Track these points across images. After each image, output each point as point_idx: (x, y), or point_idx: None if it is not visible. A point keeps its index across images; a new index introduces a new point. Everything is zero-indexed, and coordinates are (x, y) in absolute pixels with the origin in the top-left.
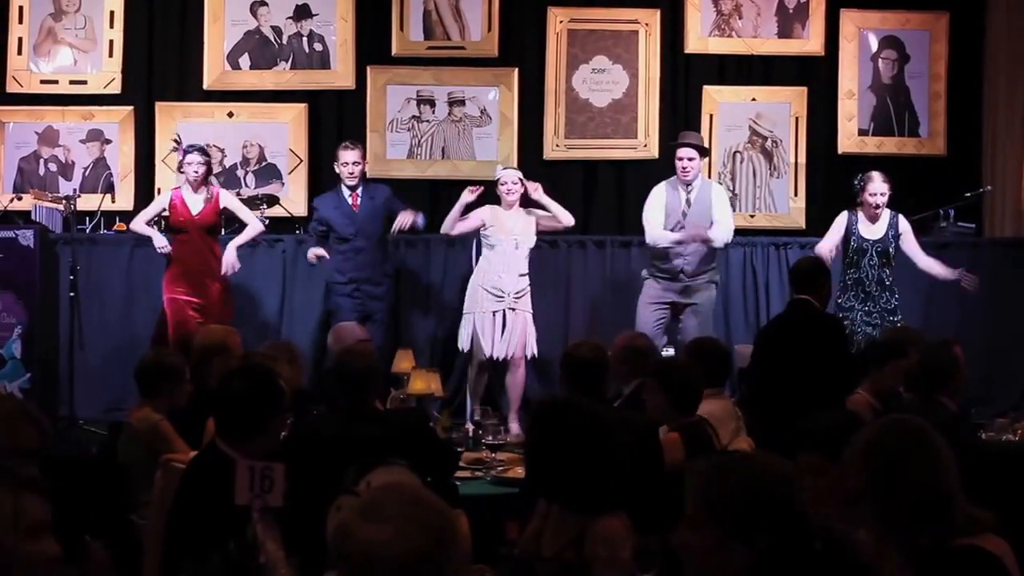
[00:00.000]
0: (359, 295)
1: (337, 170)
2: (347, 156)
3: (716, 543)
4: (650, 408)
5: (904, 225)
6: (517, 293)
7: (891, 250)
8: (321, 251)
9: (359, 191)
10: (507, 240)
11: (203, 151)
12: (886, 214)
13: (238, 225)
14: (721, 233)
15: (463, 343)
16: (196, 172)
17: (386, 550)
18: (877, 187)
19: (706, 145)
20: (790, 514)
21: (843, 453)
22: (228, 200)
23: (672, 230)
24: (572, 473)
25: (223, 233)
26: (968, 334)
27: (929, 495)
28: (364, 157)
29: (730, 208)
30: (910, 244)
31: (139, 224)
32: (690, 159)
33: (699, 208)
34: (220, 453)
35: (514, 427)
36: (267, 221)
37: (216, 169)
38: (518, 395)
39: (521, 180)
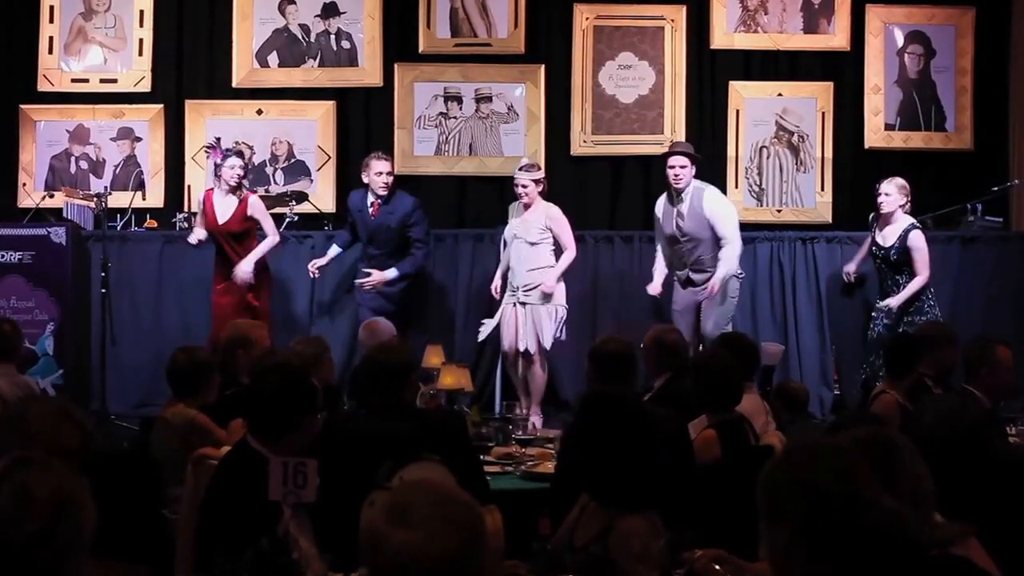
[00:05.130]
0: (371, 290)
1: (367, 179)
2: (381, 166)
3: (783, 545)
4: (694, 402)
5: (914, 242)
6: (525, 287)
7: (893, 259)
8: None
9: (381, 201)
10: (510, 234)
11: (241, 155)
12: (902, 222)
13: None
14: (731, 254)
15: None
16: (234, 177)
17: (419, 554)
18: (881, 188)
19: (697, 153)
20: (854, 513)
21: None
22: (256, 209)
23: (668, 240)
24: (608, 468)
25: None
26: (994, 328)
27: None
28: (393, 167)
29: (729, 213)
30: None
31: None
32: (682, 167)
33: (693, 221)
34: (252, 451)
35: (536, 421)
36: (296, 218)
37: None
38: (535, 389)
39: (536, 181)
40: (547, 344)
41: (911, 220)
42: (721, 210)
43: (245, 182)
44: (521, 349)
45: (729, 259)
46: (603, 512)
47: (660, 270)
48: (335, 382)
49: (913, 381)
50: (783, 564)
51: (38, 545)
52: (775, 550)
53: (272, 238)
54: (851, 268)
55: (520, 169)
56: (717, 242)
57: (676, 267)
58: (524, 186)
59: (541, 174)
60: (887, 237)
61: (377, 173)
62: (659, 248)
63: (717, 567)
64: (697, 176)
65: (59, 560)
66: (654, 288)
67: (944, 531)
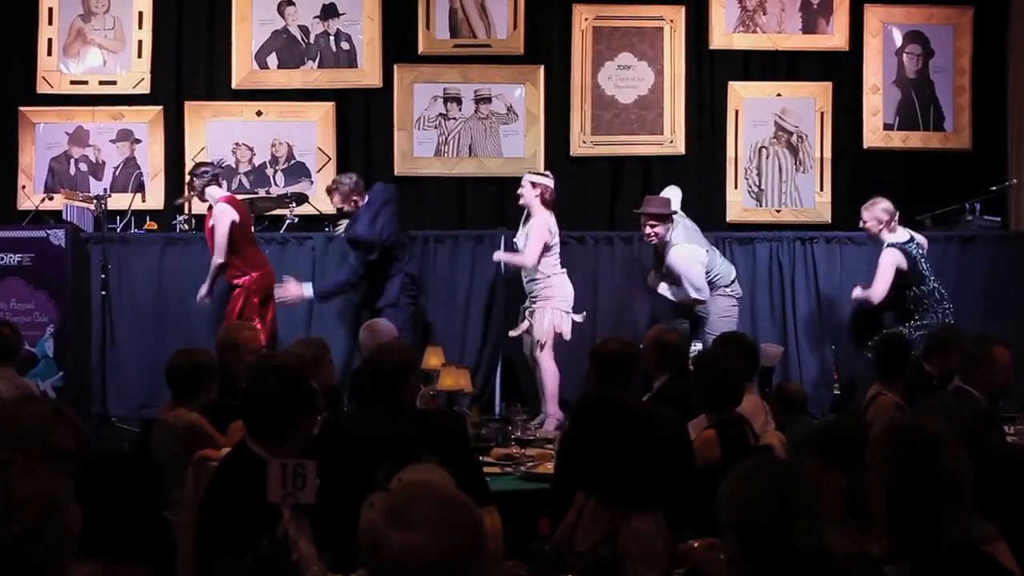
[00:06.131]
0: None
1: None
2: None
3: (729, 555)
4: (695, 402)
5: (881, 258)
6: (531, 293)
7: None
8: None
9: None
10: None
11: (195, 172)
12: (884, 243)
13: (267, 222)
14: (689, 291)
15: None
16: (195, 190)
17: (418, 557)
18: (861, 214)
19: (669, 210)
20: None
21: (844, 460)
22: (215, 219)
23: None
24: (611, 469)
25: (254, 231)
26: (992, 327)
27: (910, 497)
28: (348, 197)
29: (687, 270)
30: None
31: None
32: (652, 226)
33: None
34: (251, 453)
35: (550, 423)
36: (296, 219)
37: (245, 168)
38: (548, 389)
39: (532, 183)
40: (541, 342)
41: (891, 240)
42: (679, 266)
43: (212, 192)
44: (526, 352)
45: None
46: (609, 513)
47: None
48: (336, 383)
49: (908, 381)
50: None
51: (23, 546)
52: (726, 558)
53: (214, 259)
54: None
55: (528, 171)
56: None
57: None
58: (522, 187)
59: (541, 180)
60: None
61: None
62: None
63: (722, 556)
64: (691, 186)
65: (45, 561)
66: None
67: (978, 531)
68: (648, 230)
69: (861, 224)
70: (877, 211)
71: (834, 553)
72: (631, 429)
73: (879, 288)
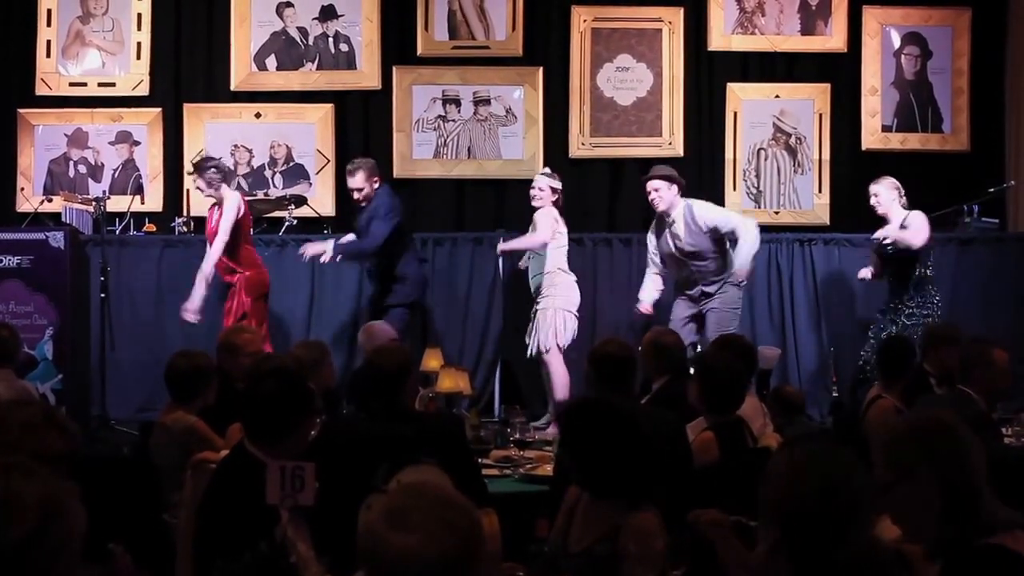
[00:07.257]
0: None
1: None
2: (349, 183)
3: (769, 547)
4: (693, 404)
5: (912, 218)
6: (536, 292)
7: (894, 249)
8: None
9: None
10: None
11: (201, 167)
12: (901, 215)
13: (266, 224)
14: (748, 234)
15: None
16: (201, 188)
17: (417, 559)
18: (870, 190)
19: (675, 174)
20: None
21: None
22: (225, 203)
23: (676, 262)
24: (606, 469)
25: (252, 232)
26: (991, 329)
27: (953, 492)
28: (370, 175)
29: (724, 211)
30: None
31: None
32: (655, 190)
33: (691, 236)
34: (249, 455)
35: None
36: (295, 221)
37: (244, 170)
38: (557, 393)
39: (551, 188)
40: (548, 344)
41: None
42: (715, 213)
43: (224, 188)
44: (532, 353)
45: (748, 240)
46: (604, 513)
47: (649, 290)
48: (335, 386)
49: (908, 383)
50: (769, 564)
51: (27, 549)
52: (765, 547)
53: (215, 245)
54: (866, 274)
55: (541, 173)
56: (719, 252)
57: (687, 287)
58: (542, 188)
59: (558, 184)
60: (889, 233)
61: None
62: (649, 271)
63: (736, 518)
64: (689, 187)
65: (49, 564)
66: (645, 308)
67: (1003, 515)
68: (653, 194)
69: (873, 197)
70: (887, 183)
71: (885, 548)
72: (620, 429)
73: (924, 234)
